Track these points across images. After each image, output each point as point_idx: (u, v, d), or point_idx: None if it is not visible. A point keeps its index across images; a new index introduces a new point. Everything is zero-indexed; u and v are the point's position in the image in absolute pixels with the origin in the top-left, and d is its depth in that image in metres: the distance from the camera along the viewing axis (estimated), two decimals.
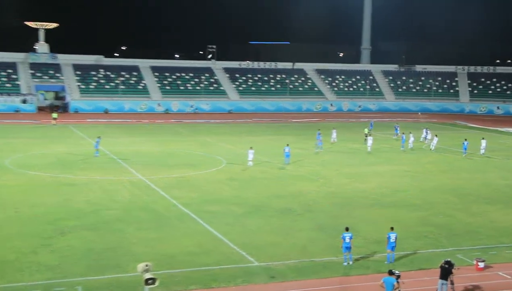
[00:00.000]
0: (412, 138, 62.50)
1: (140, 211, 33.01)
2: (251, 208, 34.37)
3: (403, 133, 65.26)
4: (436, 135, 62.34)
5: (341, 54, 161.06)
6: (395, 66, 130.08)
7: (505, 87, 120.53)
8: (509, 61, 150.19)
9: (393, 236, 25.35)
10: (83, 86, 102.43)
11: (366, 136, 64.40)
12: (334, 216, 32.90)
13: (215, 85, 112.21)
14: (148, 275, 17.78)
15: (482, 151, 58.46)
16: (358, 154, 57.33)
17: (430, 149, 60.34)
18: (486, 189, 41.52)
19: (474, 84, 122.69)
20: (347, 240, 25.05)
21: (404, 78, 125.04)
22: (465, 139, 58.88)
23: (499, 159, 55.76)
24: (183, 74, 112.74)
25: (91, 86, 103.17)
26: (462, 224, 31.73)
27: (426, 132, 67.01)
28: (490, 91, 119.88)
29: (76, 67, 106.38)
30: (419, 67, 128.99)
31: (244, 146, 59.40)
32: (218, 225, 30.40)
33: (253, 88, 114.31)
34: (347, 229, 25.58)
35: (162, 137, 67.13)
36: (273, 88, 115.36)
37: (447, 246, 27.99)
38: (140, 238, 28.01)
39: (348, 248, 25.03)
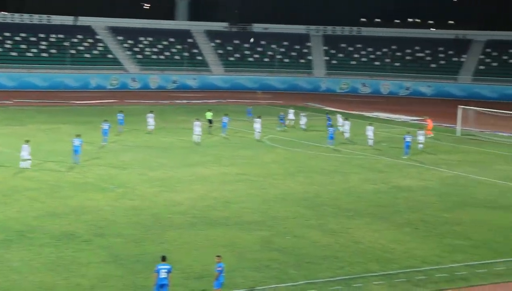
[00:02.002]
0: (257, 125, 65.32)
1: None
2: (11, 234, 33.26)
3: (225, 115, 67.46)
4: (347, 119, 66.32)
5: (146, 6, 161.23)
6: (225, 24, 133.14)
7: (372, 56, 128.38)
8: (378, 20, 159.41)
9: (220, 268, 25.84)
10: None
11: (211, 123, 67.03)
12: (138, 241, 32.82)
13: None
14: None
15: (370, 142, 63.22)
16: (174, 150, 57.84)
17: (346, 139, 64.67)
18: (348, 197, 43.86)
19: (333, 51, 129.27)
20: (163, 274, 25.00)
21: (237, 42, 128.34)
22: (331, 125, 62.44)
23: (366, 156, 59.30)
24: None
25: None
26: (317, 247, 33.16)
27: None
28: (353, 62, 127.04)
29: None
30: (257, 27, 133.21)
31: (1, 141, 57.45)
32: None
33: (13, 54, 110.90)
34: (163, 259, 25.57)
35: None
36: (44, 55, 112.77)
37: (297, 278, 29.01)
38: None
39: (164, 287, 24.99)
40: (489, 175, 52.21)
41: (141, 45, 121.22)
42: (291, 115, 75.59)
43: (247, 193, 43.64)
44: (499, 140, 71.23)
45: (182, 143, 61.17)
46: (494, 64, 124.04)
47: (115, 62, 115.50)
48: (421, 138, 61.96)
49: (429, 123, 70.73)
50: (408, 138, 58.46)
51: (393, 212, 40.25)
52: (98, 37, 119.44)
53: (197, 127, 61.65)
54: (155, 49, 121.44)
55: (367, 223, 37.60)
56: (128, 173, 48.11)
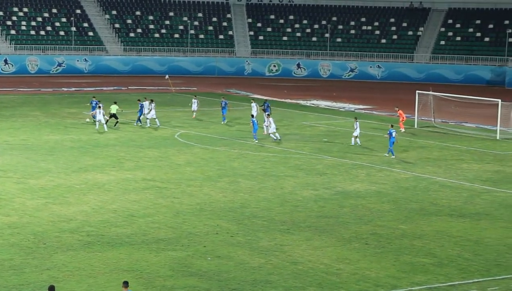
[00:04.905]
0: (153, 111, 66.97)
1: None
2: None
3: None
4: (269, 116, 65.56)
5: None
6: None
7: (308, 30, 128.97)
8: None
9: None
10: None
11: (116, 118, 68.08)
12: (16, 268, 32.32)
13: None
14: None
15: (276, 136, 64.08)
16: (61, 152, 57.28)
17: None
18: (283, 206, 44.02)
19: (259, 24, 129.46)
20: None
21: (138, 13, 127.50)
22: (268, 116, 64.22)
23: (303, 154, 59.74)
24: None
25: None
26: (245, 270, 33.18)
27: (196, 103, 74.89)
28: (285, 38, 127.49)
29: None
30: None
31: None
32: None
33: None
34: (51, 290, 25.46)
35: None
36: None
37: None
38: None
39: None
40: (454, 176, 53.13)
41: (14, 18, 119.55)
42: (195, 105, 76.20)
43: (156, 204, 43.50)
44: (465, 132, 72.30)
45: (71, 143, 60.61)
46: (458, 38, 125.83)
47: None
48: (357, 131, 62.53)
49: (401, 115, 70.97)
50: (394, 133, 58.79)
51: (338, 224, 40.59)
52: None
53: (99, 116, 64.90)
54: (33, 23, 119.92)
55: (306, 239, 37.82)
56: (2, 181, 47.45)
